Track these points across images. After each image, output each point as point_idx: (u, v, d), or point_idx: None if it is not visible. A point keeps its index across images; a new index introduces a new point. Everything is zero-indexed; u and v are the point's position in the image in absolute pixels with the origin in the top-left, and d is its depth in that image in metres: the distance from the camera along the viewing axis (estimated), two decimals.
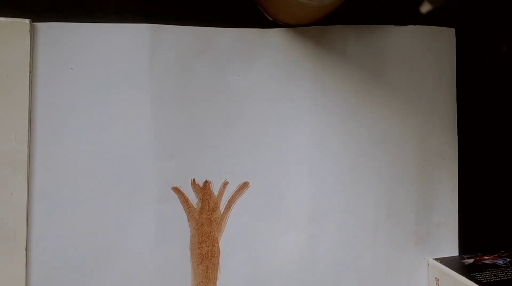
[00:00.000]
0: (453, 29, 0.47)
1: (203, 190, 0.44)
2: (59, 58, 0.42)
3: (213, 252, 0.44)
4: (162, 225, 0.43)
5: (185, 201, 0.43)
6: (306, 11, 0.40)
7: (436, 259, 0.46)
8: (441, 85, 0.47)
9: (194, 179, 0.44)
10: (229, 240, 0.44)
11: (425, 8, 0.48)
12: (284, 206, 0.45)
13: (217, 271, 0.44)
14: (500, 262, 0.44)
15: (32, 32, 0.41)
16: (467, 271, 0.43)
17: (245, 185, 0.44)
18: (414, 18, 0.47)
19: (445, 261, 0.45)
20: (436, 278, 0.45)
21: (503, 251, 0.47)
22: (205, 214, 0.44)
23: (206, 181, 0.44)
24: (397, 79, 0.46)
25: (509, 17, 0.49)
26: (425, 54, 0.47)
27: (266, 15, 0.45)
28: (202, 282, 0.44)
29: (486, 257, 0.46)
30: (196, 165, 0.44)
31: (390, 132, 0.46)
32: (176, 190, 0.43)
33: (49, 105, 0.42)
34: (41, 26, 0.42)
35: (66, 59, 0.42)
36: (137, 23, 0.43)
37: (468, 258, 0.46)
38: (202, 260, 0.44)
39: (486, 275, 0.42)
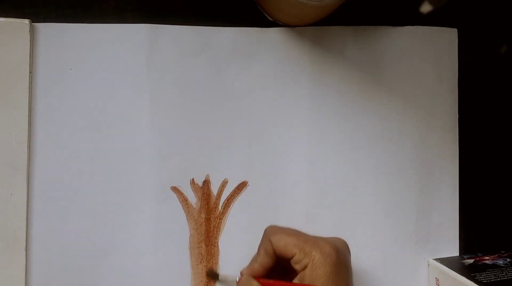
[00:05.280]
0: (455, 29, 0.47)
1: (202, 189, 0.44)
2: (59, 58, 0.42)
3: (212, 251, 0.44)
4: (161, 225, 0.43)
5: (184, 200, 0.44)
6: (306, 11, 0.40)
7: (436, 259, 0.46)
8: (442, 85, 0.47)
9: (193, 179, 0.44)
10: (228, 239, 0.44)
11: (428, 8, 0.48)
12: (283, 205, 0.45)
13: (216, 271, 0.44)
14: (500, 262, 0.44)
15: (32, 32, 0.41)
16: (467, 271, 0.42)
17: (244, 184, 0.44)
18: (417, 19, 0.47)
19: (445, 261, 0.45)
20: (436, 278, 0.45)
21: (503, 251, 0.47)
22: (204, 213, 0.44)
23: (205, 181, 0.44)
24: (396, 79, 0.46)
25: (511, 17, 0.49)
26: (426, 54, 0.47)
27: (266, 15, 0.45)
28: (201, 281, 0.44)
29: (486, 257, 0.45)
30: (195, 164, 0.44)
31: (390, 132, 0.46)
32: (175, 189, 0.43)
33: (48, 105, 0.42)
34: (41, 27, 0.42)
35: (65, 59, 0.42)
36: (136, 23, 0.43)
37: (468, 258, 0.46)
38: (202, 259, 0.44)
39: (486, 275, 0.42)
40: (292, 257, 0.37)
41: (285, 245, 0.37)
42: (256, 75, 0.45)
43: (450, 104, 0.47)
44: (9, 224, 0.41)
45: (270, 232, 0.39)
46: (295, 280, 0.37)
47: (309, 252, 0.36)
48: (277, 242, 0.38)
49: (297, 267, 0.37)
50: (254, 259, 0.40)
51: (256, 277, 0.39)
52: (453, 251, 0.47)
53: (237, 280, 0.40)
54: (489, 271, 0.43)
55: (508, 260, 0.45)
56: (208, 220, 0.44)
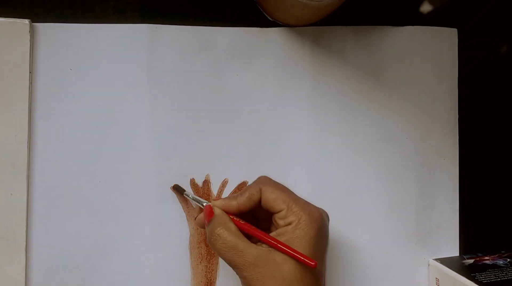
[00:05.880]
0: (455, 29, 0.47)
1: (202, 189, 0.44)
2: (59, 58, 0.42)
3: (212, 251, 0.44)
4: (161, 225, 0.43)
5: (184, 200, 0.44)
6: (306, 11, 0.40)
7: (437, 260, 0.46)
8: (442, 85, 0.47)
9: (193, 179, 0.44)
10: None
11: (428, 8, 0.48)
12: None
13: (216, 271, 0.44)
14: (500, 262, 0.44)
15: (32, 32, 0.41)
16: (467, 272, 0.42)
17: (244, 184, 0.44)
18: (417, 19, 0.47)
19: (445, 261, 0.45)
20: (436, 278, 0.45)
21: (503, 251, 0.47)
22: None
23: (205, 181, 0.44)
24: (396, 79, 0.46)
25: (511, 17, 0.49)
26: (426, 54, 0.47)
27: (266, 14, 0.45)
28: (201, 281, 0.44)
29: (486, 258, 0.45)
30: (195, 164, 0.44)
31: (390, 132, 0.46)
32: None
33: (49, 106, 0.42)
34: (41, 27, 0.42)
35: (65, 59, 0.42)
36: (136, 23, 0.43)
37: (468, 258, 0.46)
38: (202, 260, 0.44)
39: (487, 276, 0.42)
40: (279, 212, 0.37)
41: (275, 198, 0.37)
42: (256, 75, 0.45)
43: (450, 104, 0.47)
44: (9, 224, 0.41)
45: (263, 182, 0.39)
46: (273, 234, 0.37)
47: (297, 211, 0.36)
48: (268, 193, 0.38)
49: (280, 222, 0.37)
50: (233, 197, 0.39)
51: (228, 213, 0.38)
52: (453, 251, 0.47)
53: (204, 205, 0.40)
54: (489, 271, 0.43)
55: (508, 260, 0.45)
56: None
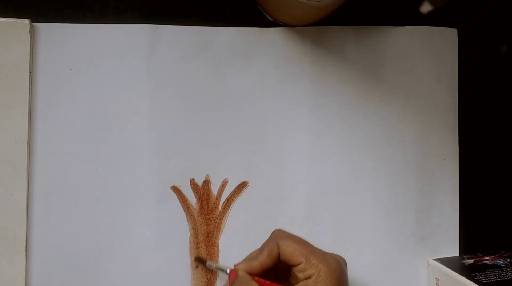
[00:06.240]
0: (455, 29, 0.47)
1: (202, 189, 0.44)
2: (59, 58, 0.42)
3: (212, 251, 0.44)
4: (162, 225, 0.43)
5: (184, 200, 0.44)
6: (306, 11, 0.40)
7: (437, 260, 0.46)
8: (442, 85, 0.47)
9: (193, 179, 0.44)
10: (228, 239, 0.44)
11: (428, 8, 0.48)
12: (283, 205, 0.45)
13: (216, 270, 0.44)
14: (500, 262, 0.44)
15: (32, 32, 0.41)
16: (467, 272, 0.42)
17: (244, 184, 0.44)
18: (417, 19, 0.47)
19: (445, 261, 0.45)
20: (436, 278, 0.45)
21: (503, 251, 0.47)
22: (204, 213, 0.44)
23: (205, 181, 0.44)
24: (396, 79, 0.46)
25: (511, 17, 0.49)
26: (426, 54, 0.47)
27: (266, 15, 0.45)
28: (201, 281, 0.44)
29: (486, 258, 0.45)
30: (195, 164, 0.44)
31: (390, 132, 0.46)
32: (175, 189, 0.43)
33: (49, 105, 0.42)
34: (41, 27, 0.42)
35: (65, 59, 0.42)
36: (136, 24, 0.43)
37: (468, 258, 0.46)
38: None
39: (486, 276, 0.42)
40: (297, 265, 0.37)
41: (292, 252, 0.37)
42: (256, 75, 0.45)
43: (450, 104, 0.47)
44: (9, 224, 0.41)
45: (279, 235, 0.39)
46: None
47: (315, 264, 0.37)
48: (285, 247, 0.38)
49: (300, 275, 0.37)
50: (253, 257, 0.39)
51: (252, 275, 0.39)
52: (453, 251, 0.47)
53: (228, 271, 0.40)
54: (489, 271, 0.42)
55: (508, 260, 0.45)
56: (208, 220, 0.44)
